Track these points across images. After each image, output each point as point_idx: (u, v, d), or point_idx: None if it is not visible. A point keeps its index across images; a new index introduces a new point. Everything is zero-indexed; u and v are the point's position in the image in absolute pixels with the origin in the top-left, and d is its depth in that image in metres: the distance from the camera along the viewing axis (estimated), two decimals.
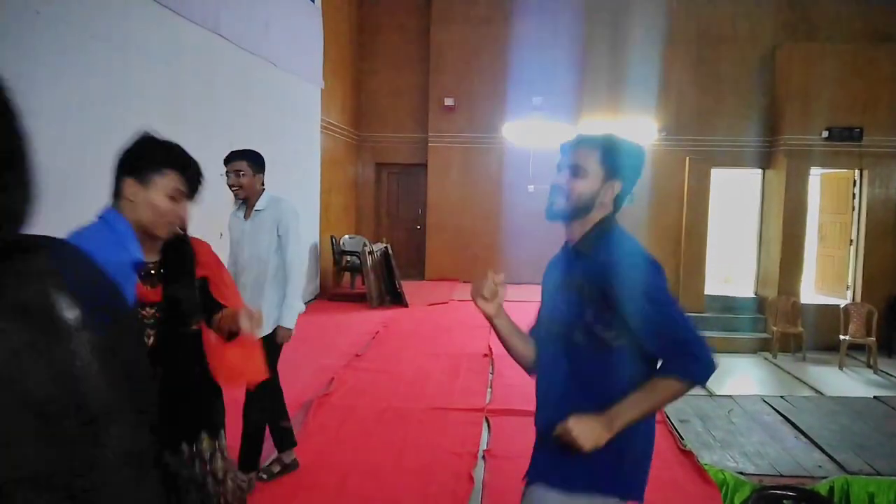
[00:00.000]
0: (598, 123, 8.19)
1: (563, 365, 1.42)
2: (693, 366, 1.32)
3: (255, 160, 2.83)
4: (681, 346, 1.33)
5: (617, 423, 1.31)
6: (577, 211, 1.44)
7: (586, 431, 1.30)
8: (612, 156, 1.44)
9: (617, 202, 1.47)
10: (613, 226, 1.47)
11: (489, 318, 1.54)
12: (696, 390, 1.46)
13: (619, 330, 1.34)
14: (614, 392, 1.34)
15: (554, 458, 1.40)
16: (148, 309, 1.61)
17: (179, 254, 1.73)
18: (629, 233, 1.47)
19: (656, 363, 1.38)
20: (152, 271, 1.62)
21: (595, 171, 1.44)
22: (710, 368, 1.33)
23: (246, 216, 2.80)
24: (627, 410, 1.32)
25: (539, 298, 1.59)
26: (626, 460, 1.41)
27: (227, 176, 2.77)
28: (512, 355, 1.63)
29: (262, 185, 2.85)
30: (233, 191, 2.77)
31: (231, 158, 2.80)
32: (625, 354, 1.36)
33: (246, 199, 2.79)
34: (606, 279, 1.35)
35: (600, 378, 1.38)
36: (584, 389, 1.39)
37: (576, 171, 1.44)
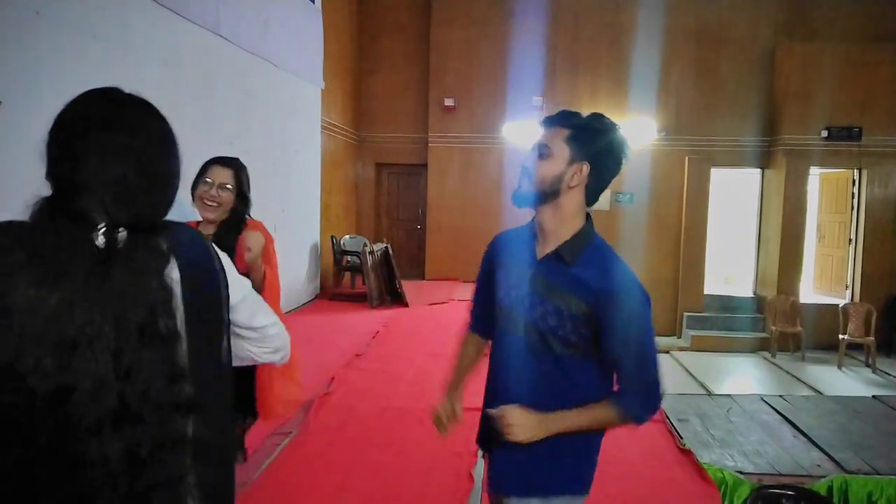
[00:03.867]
0: None
1: (527, 368, 1.38)
2: (644, 409, 1.35)
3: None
4: (644, 386, 1.33)
5: (552, 429, 1.32)
6: (543, 195, 1.35)
7: (524, 426, 1.31)
8: (580, 135, 1.33)
9: (589, 189, 1.36)
10: (593, 232, 1.38)
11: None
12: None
13: (588, 344, 1.33)
14: (570, 400, 1.34)
15: (525, 467, 1.39)
16: None
17: (225, 241, 1.90)
18: (609, 245, 1.39)
19: (612, 380, 1.38)
20: None
21: (561, 151, 1.33)
22: (653, 412, 1.37)
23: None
24: (567, 421, 1.33)
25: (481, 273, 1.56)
26: (589, 461, 1.43)
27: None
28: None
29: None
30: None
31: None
32: (587, 365, 1.35)
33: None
34: (600, 300, 1.28)
35: (562, 384, 1.36)
36: (547, 393, 1.36)
37: (541, 152, 1.35)
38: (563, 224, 1.36)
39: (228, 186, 1.99)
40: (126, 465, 0.81)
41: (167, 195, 0.95)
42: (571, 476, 1.40)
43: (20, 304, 0.78)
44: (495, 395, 1.47)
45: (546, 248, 1.37)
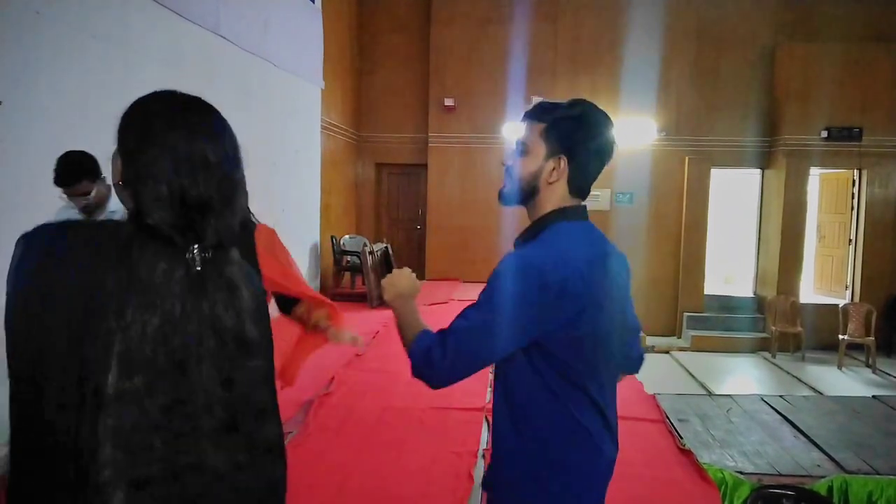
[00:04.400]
0: None
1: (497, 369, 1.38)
2: (415, 356, 1.24)
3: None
4: (426, 344, 1.22)
5: (398, 307, 1.36)
6: (522, 193, 1.29)
7: (392, 285, 1.37)
8: (557, 128, 1.25)
9: (574, 183, 1.27)
10: (556, 220, 1.26)
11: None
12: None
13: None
14: (524, 400, 1.25)
15: (501, 487, 1.30)
16: None
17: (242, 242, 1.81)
18: (581, 232, 1.26)
19: (583, 372, 1.23)
20: None
21: (537, 146, 1.26)
22: (418, 372, 1.25)
23: None
24: (405, 313, 1.35)
25: None
26: (578, 480, 1.25)
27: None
28: None
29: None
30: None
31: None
32: (525, 363, 1.24)
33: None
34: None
35: (514, 385, 1.26)
36: (502, 391, 1.30)
37: (520, 149, 1.29)
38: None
39: None
40: (231, 469, 0.85)
41: (244, 205, 0.97)
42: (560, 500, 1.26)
43: (125, 325, 0.80)
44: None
45: None
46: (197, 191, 0.86)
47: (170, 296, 0.82)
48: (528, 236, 1.29)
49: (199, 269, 0.85)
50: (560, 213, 1.27)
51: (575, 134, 1.25)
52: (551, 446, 1.22)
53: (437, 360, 1.20)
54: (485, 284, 1.21)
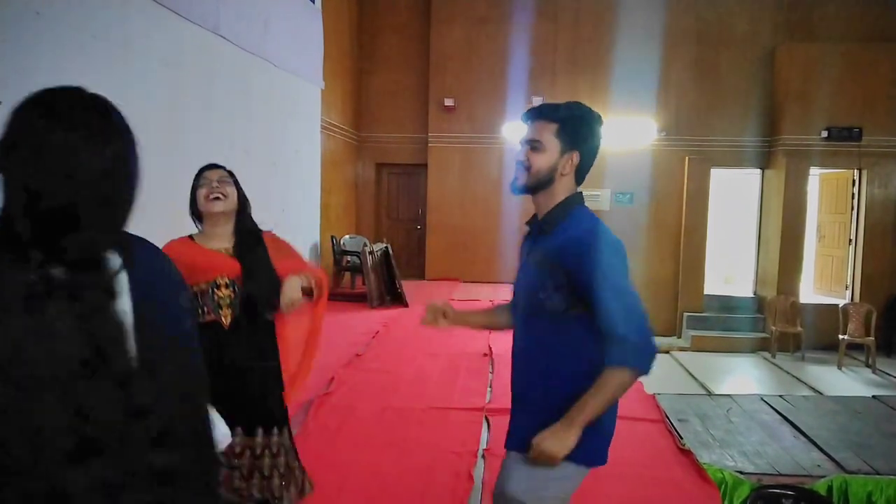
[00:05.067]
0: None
1: (529, 335, 1.50)
2: (638, 356, 1.36)
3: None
4: (628, 333, 1.36)
5: (579, 423, 1.36)
6: (539, 184, 1.50)
7: (554, 444, 1.36)
8: (568, 127, 1.47)
9: (579, 173, 1.51)
10: (577, 204, 1.50)
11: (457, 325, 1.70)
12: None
13: (576, 304, 1.40)
14: (573, 361, 1.43)
15: (531, 429, 1.44)
16: (224, 290, 1.88)
17: (255, 243, 1.96)
18: (592, 213, 1.51)
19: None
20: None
21: (552, 144, 1.47)
22: (647, 356, 1.37)
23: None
24: (586, 409, 1.37)
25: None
26: (594, 435, 1.44)
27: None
28: (498, 330, 1.78)
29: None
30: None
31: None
32: (581, 327, 1.42)
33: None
34: (564, 256, 1.40)
35: (560, 346, 1.45)
36: (547, 358, 1.47)
37: (534, 146, 1.49)
38: (551, 204, 1.51)
39: (226, 179, 1.96)
40: (100, 499, 0.78)
41: (119, 216, 0.85)
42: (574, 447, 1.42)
43: None
44: (514, 366, 1.59)
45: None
46: (56, 200, 0.78)
47: (13, 314, 0.76)
48: (556, 219, 1.49)
49: (43, 289, 0.77)
50: (578, 198, 1.52)
51: (583, 132, 1.49)
52: (585, 383, 1.40)
53: (640, 337, 1.37)
54: (561, 265, 1.40)
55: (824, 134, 8.33)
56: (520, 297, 1.56)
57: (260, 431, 1.93)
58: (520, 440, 1.47)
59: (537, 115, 1.50)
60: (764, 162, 8.94)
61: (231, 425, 1.74)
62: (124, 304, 0.83)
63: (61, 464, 0.76)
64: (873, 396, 4.75)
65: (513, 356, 1.60)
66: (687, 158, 8.87)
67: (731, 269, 9.98)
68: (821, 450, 3.50)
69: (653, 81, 8.75)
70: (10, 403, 0.75)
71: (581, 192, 1.54)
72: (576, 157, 1.47)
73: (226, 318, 1.89)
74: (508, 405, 1.61)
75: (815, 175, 8.95)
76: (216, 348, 1.83)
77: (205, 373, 0.96)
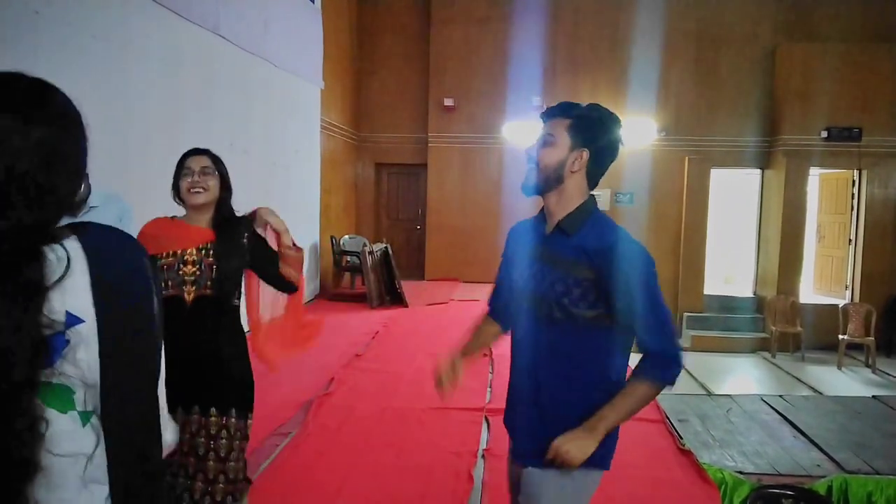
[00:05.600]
0: None
1: (545, 341, 1.45)
2: (668, 370, 1.38)
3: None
4: (662, 347, 1.37)
5: (600, 431, 1.37)
6: (548, 181, 1.45)
7: (575, 448, 1.35)
8: (581, 124, 1.44)
9: (591, 174, 1.47)
10: (594, 208, 1.48)
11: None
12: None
13: (602, 311, 1.38)
14: (591, 367, 1.41)
15: (544, 440, 1.41)
16: (190, 266, 1.89)
17: (232, 226, 1.99)
18: (610, 218, 1.49)
19: (631, 340, 1.44)
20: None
21: (563, 139, 1.44)
22: (679, 370, 1.39)
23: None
24: (609, 418, 1.37)
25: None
26: (610, 439, 1.44)
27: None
28: (491, 344, 1.75)
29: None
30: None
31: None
32: (604, 333, 1.40)
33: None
34: (600, 262, 1.36)
35: (579, 353, 1.42)
36: (564, 363, 1.43)
37: (545, 141, 1.46)
38: (567, 205, 1.46)
39: (208, 170, 1.97)
40: None
41: (53, 205, 0.79)
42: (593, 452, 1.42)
43: None
44: (518, 370, 1.54)
45: (552, 227, 1.48)
46: None
47: None
48: (577, 222, 1.44)
49: None
50: (593, 202, 1.48)
51: (596, 131, 1.45)
52: (611, 389, 1.42)
53: (678, 354, 1.38)
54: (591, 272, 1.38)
55: (824, 134, 8.33)
56: (529, 300, 1.47)
57: (196, 409, 1.91)
58: (540, 454, 1.41)
59: (554, 112, 1.48)
60: (764, 162, 8.94)
61: (176, 401, 1.81)
62: (73, 305, 0.78)
63: None
64: (873, 396, 4.76)
65: (518, 363, 1.54)
66: (687, 158, 8.87)
67: (731, 270, 9.98)
68: (821, 450, 3.50)
69: (653, 81, 8.75)
70: None
71: (595, 196, 1.50)
72: (585, 154, 1.43)
73: (188, 294, 1.88)
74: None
75: (815, 175, 8.95)
76: (175, 324, 1.76)
77: (156, 381, 0.90)
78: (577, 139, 1.43)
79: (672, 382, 1.40)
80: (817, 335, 8.12)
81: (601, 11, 8.93)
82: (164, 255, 1.89)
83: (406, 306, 7.05)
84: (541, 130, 1.49)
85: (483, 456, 3.11)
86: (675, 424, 3.73)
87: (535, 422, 1.46)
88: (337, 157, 8.62)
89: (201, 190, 1.93)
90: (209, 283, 1.89)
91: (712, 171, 8.89)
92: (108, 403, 0.83)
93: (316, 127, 7.51)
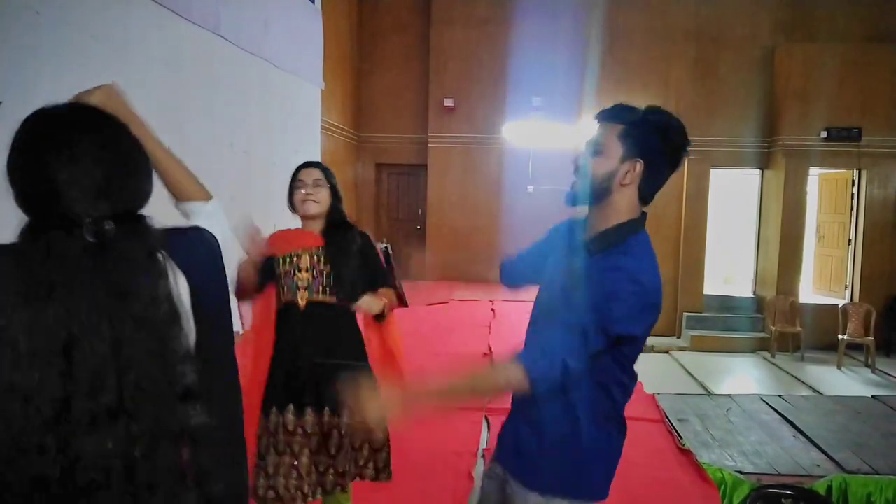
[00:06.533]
0: None
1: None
2: (542, 367, 1.19)
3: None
4: (554, 352, 1.19)
5: (434, 394, 1.22)
6: (594, 193, 1.28)
7: (376, 407, 1.16)
8: (633, 131, 1.26)
9: (644, 188, 1.29)
10: (638, 230, 1.30)
11: None
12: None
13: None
14: (601, 400, 1.30)
15: (531, 462, 1.36)
16: (303, 273, 2.00)
17: (339, 233, 2.09)
18: (651, 246, 1.31)
19: (634, 379, 1.33)
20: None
21: (613, 148, 1.26)
22: (546, 381, 1.20)
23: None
24: (453, 381, 1.22)
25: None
26: (599, 467, 1.35)
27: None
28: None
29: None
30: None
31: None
32: (614, 364, 1.28)
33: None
34: (598, 287, 1.21)
35: (591, 383, 1.29)
36: (577, 395, 1.30)
37: (594, 148, 1.29)
38: (609, 220, 1.30)
39: (320, 182, 2.08)
40: (123, 461, 0.81)
41: (143, 184, 0.99)
42: (575, 479, 1.34)
43: (19, 325, 0.78)
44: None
45: (586, 239, 1.34)
46: (83, 175, 0.90)
47: (64, 281, 0.83)
48: (608, 242, 1.28)
49: (96, 244, 0.85)
50: (639, 223, 1.32)
51: (652, 140, 1.27)
52: (610, 430, 1.34)
53: (555, 375, 1.22)
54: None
55: (824, 134, 8.33)
56: (541, 307, 1.37)
57: (309, 411, 1.98)
58: (544, 484, 1.33)
59: (606, 115, 1.31)
60: (763, 162, 8.94)
61: (286, 403, 1.95)
62: (168, 262, 0.92)
63: (97, 425, 0.79)
64: (873, 396, 4.75)
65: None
66: (687, 158, 8.84)
67: (730, 269, 9.98)
68: (820, 450, 3.50)
69: (653, 81, 8.76)
70: (58, 372, 0.79)
71: (645, 215, 1.32)
72: (639, 166, 1.25)
73: (301, 300, 1.98)
74: (508, 405, 1.48)
75: (815, 175, 8.95)
76: (289, 329, 1.97)
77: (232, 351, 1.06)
78: (630, 149, 1.26)
79: (535, 386, 1.20)
80: (817, 335, 8.13)
81: (601, 12, 8.92)
82: (282, 262, 2.00)
83: (406, 306, 7.03)
84: (593, 134, 1.31)
85: (483, 456, 3.11)
86: (674, 424, 3.73)
87: (540, 448, 1.35)
88: (337, 158, 8.61)
89: (314, 201, 2.05)
90: (321, 288, 2.00)
91: (712, 171, 8.89)
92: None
93: (316, 127, 7.51)
